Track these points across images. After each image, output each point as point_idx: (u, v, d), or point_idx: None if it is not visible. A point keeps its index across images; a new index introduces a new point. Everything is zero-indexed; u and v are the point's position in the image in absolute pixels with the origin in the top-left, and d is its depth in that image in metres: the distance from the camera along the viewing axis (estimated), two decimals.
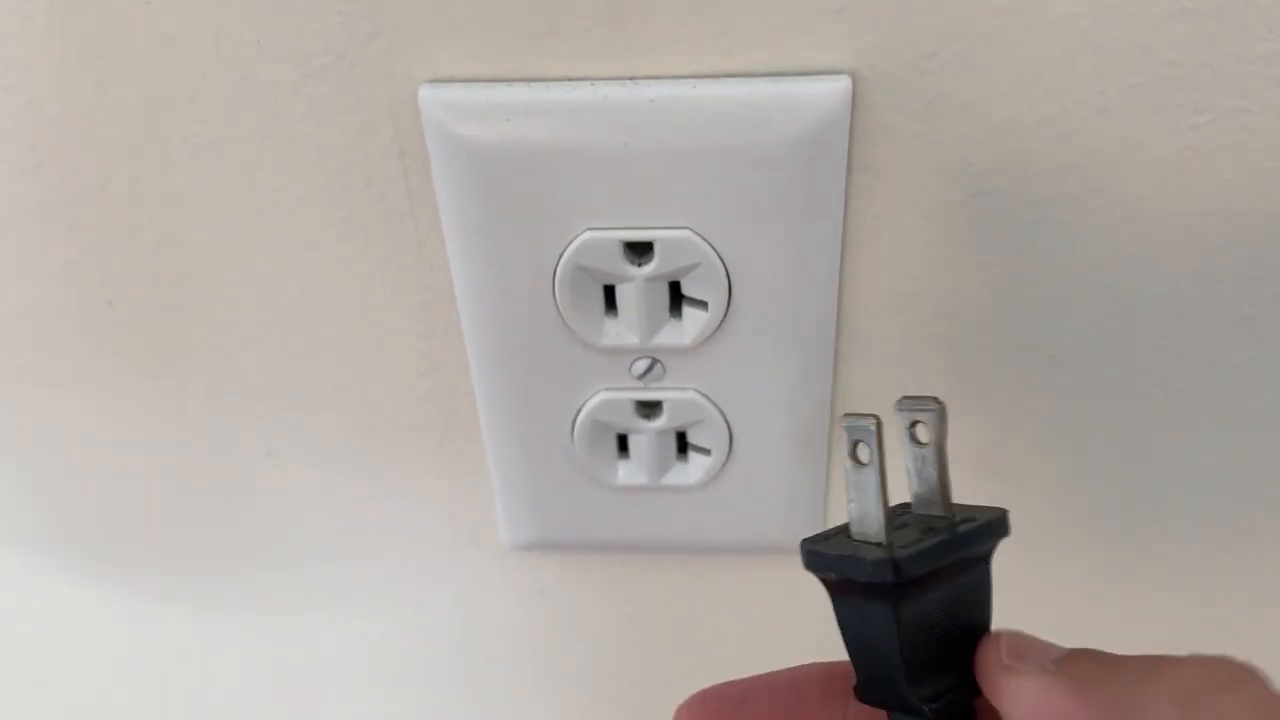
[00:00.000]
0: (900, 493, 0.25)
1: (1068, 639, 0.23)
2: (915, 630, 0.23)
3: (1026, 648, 0.22)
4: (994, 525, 0.24)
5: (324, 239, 0.33)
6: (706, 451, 0.35)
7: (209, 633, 0.45)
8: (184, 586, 0.43)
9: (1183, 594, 0.40)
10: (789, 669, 0.27)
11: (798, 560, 0.40)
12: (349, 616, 0.43)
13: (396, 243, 0.33)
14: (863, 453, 0.23)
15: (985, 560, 0.24)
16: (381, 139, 0.31)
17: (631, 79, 0.29)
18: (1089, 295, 0.32)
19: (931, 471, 0.25)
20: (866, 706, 0.24)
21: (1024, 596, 0.39)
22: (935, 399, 0.25)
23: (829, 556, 0.23)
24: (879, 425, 0.23)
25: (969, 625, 0.24)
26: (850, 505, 0.24)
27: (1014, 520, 0.25)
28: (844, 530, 0.24)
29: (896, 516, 0.25)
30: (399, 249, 0.33)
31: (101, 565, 0.43)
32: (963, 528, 0.24)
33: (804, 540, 0.24)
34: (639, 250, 0.31)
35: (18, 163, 0.32)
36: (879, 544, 0.23)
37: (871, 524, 0.23)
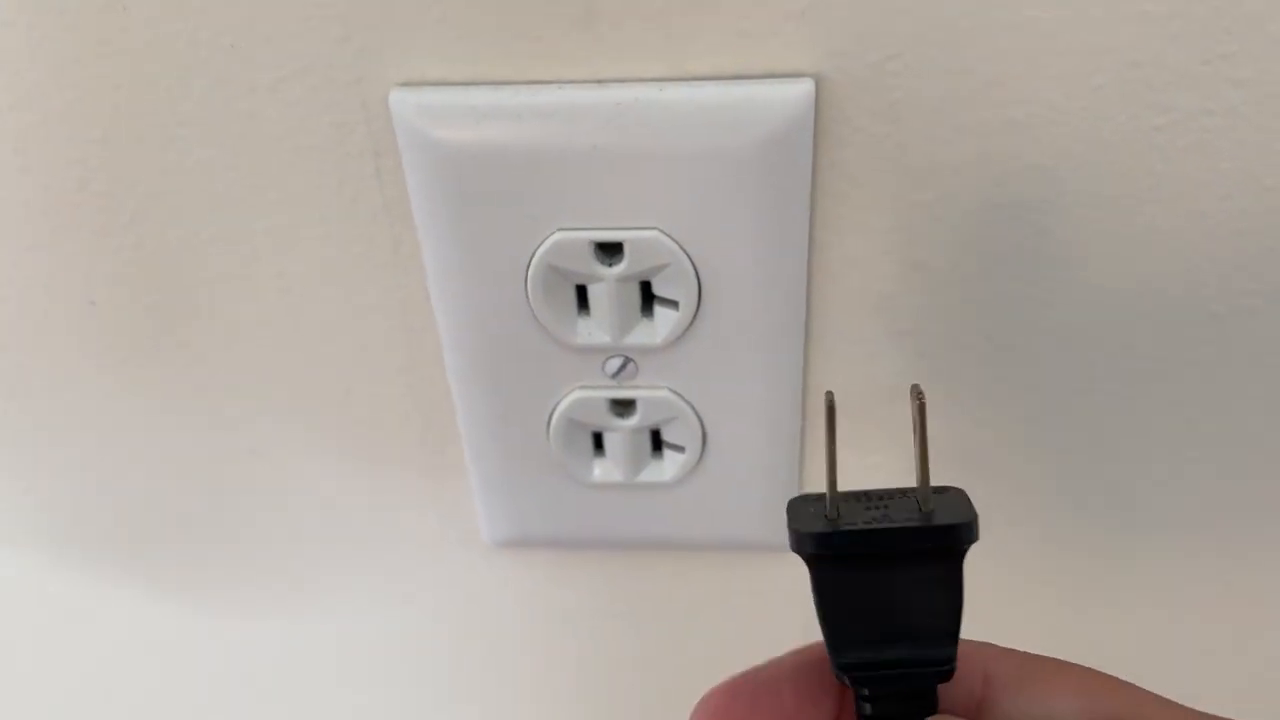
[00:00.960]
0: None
1: (1036, 637, 0.23)
2: (844, 603, 0.23)
3: None
4: (950, 531, 0.23)
5: (302, 239, 0.33)
6: (681, 449, 0.36)
7: (193, 632, 0.46)
8: (168, 585, 0.44)
9: (1153, 594, 0.40)
10: (803, 650, 0.25)
11: (776, 557, 0.40)
12: (336, 614, 0.44)
13: (372, 243, 0.33)
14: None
15: (951, 558, 0.23)
16: (355, 141, 0.31)
17: (600, 82, 0.29)
18: (1059, 295, 0.32)
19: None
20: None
21: (995, 596, 0.40)
22: (915, 386, 0.24)
23: (789, 522, 0.24)
24: (830, 403, 0.23)
25: (929, 617, 0.23)
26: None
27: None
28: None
29: (890, 497, 0.24)
30: (375, 249, 0.33)
31: (86, 565, 0.43)
32: (910, 521, 0.23)
33: (792, 500, 0.24)
34: (610, 250, 0.32)
35: (2, 165, 0.33)
36: (826, 517, 0.23)
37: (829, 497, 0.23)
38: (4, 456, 0.40)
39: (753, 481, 0.37)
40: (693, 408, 0.35)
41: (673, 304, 0.32)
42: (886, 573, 0.23)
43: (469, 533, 0.40)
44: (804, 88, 0.29)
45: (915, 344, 0.34)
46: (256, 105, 0.31)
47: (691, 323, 0.32)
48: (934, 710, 0.23)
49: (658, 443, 0.36)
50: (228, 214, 0.33)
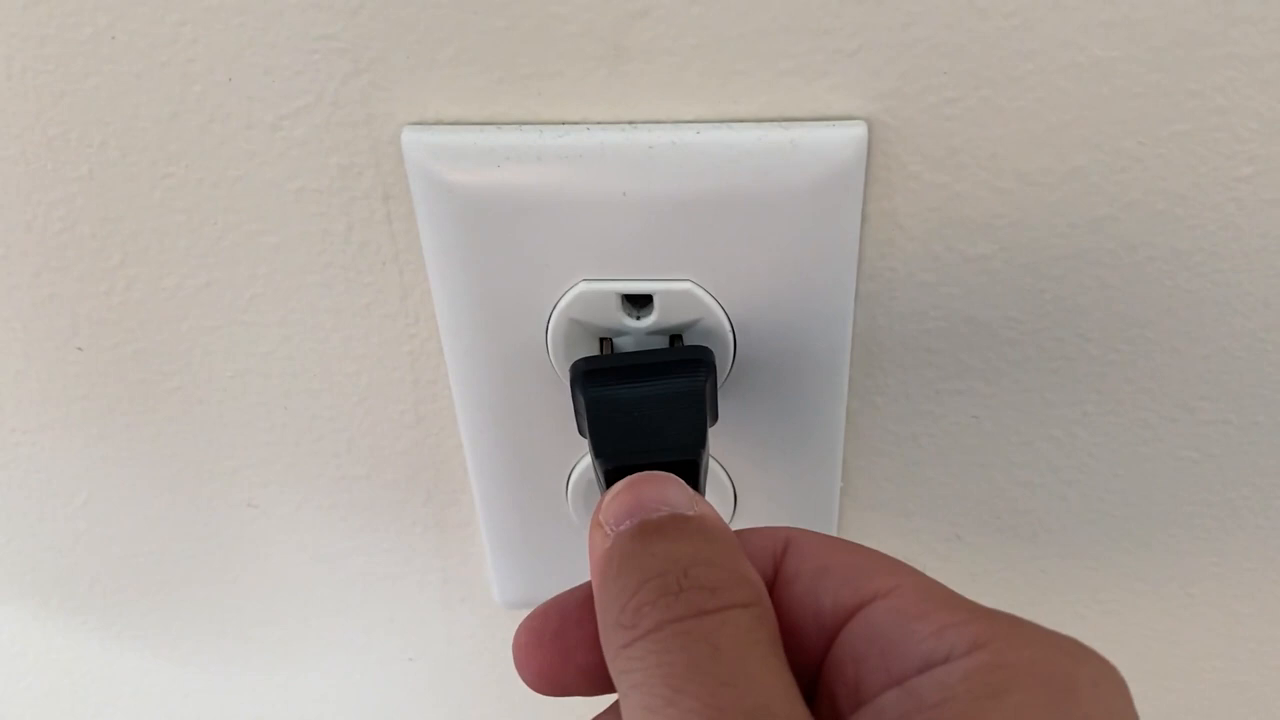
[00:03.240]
0: None
1: None
2: (605, 417, 0.26)
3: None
4: (688, 350, 0.28)
5: (304, 286, 0.31)
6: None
7: (183, 689, 0.43)
8: (160, 641, 0.41)
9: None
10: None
11: None
12: (333, 675, 0.42)
13: (380, 291, 0.31)
14: None
15: (692, 382, 0.27)
16: (363, 183, 0.29)
17: (631, 123, 0.27)
18: (1122, 354, 0.30)
19: None
20: None
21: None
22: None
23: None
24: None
25: (678, 428, 0.26)
26: None
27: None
28: None
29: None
30: (383, 298, 0.31)
31: (74, 616, 0.41)
32: (660, 354, 0.28)
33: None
34: (638, 302, 0.29)
35: None
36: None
37: None
38: None
39: None
40: (724, 469, 0.32)
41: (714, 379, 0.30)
42: (639, 391, 0.27)
43: (476, 593, 0.38)
44: (856, 131, 0.26)
45: (967, 404, 0.31)
46: (256, 144, 0.28)
47: (725, 381, 0.30)
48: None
49: None
50: (225, 259, 0.30)
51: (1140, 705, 0.18)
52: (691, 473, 0.26)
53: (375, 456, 0.34)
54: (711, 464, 0.32)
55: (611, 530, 0.21)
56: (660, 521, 0.21)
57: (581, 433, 0.28)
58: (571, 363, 0.28)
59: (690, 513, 0.21)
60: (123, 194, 0.30)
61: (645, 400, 0.27)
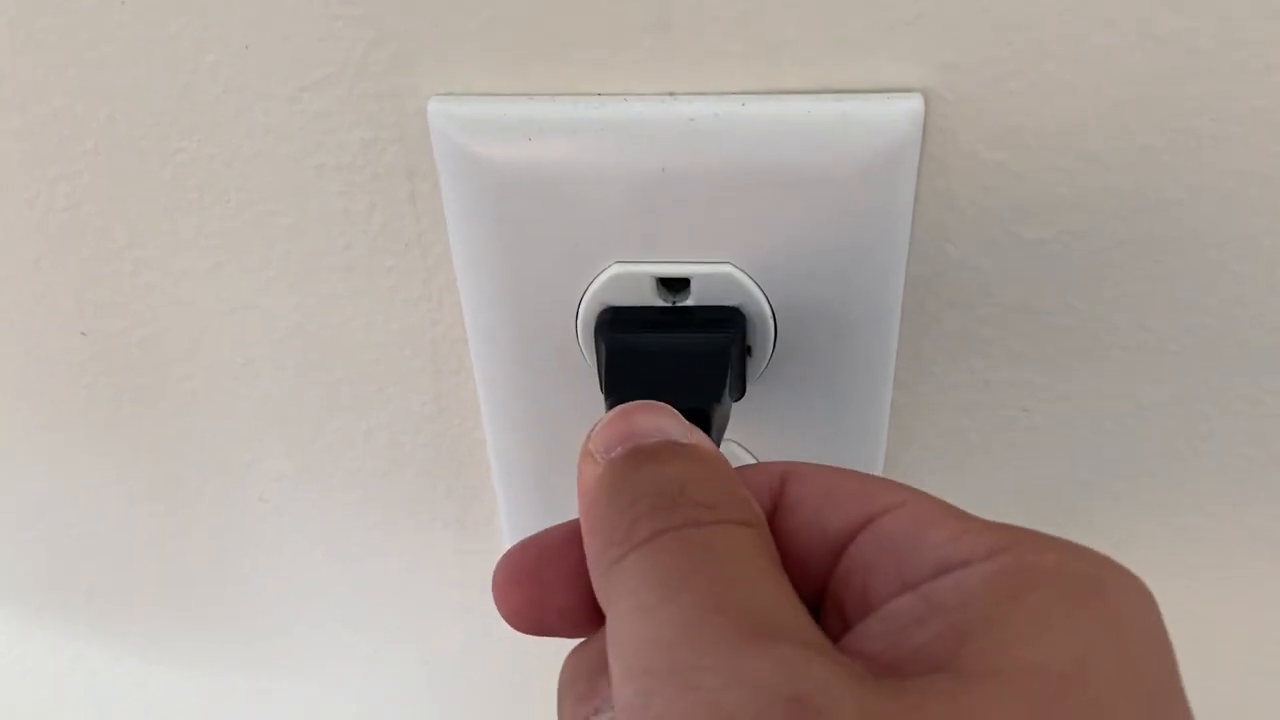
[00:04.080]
0: None
1: None
2: (627, 368, 0.26)
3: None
4: (716, 310, 0.27)
5: (322, 269, 0.29)
6: None
7: (193, 690, 0.42)
8: (171, 638, 0.40)
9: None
10: None
11: None
12: (347, 677, 0.40)
13: (403, 275, 0.29)
14: None
15: (719, 337, 0.26)
16: (386, 159, 0.27)
17: (671, 95, 0.25)
18: (1183, 345, 0.28)
19: None
20: None
21: None
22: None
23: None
24: None
25: (699, 380, 0.26)
26: None
27: None
28: None
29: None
30: (405, 281, 0.29)
31: (74, 616, 0.39)
32: (694, 311, 0.27)
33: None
34: (674, 286, 0.28)
35: None
36: None
37: None
38: None
39: None
40: (759, 461, 0.31)
41: (744, 348, 0.28)
42: (660, 341, 0.26)
43: None
44: (912, 104, 0.25)
45: (1017, 396, 0.30)
46: (273, 118, 0.27)
47: (765, 369, 0.28)
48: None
49: None
50: (238, 240, 0.29)
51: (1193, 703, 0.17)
52: (703, 424, 0.25)
53: (395, 449, 0.33)
54: (745, 456, 0.31)
55: (602, 458, 0.20)
56: (654, 446, 0.20)
57: (602, 388, 0.27)
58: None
59: (685, 440, 0.20)
60: (131, 170, 0.28)
61: (664, 349, 0.26)
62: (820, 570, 0.19)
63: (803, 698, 0.14)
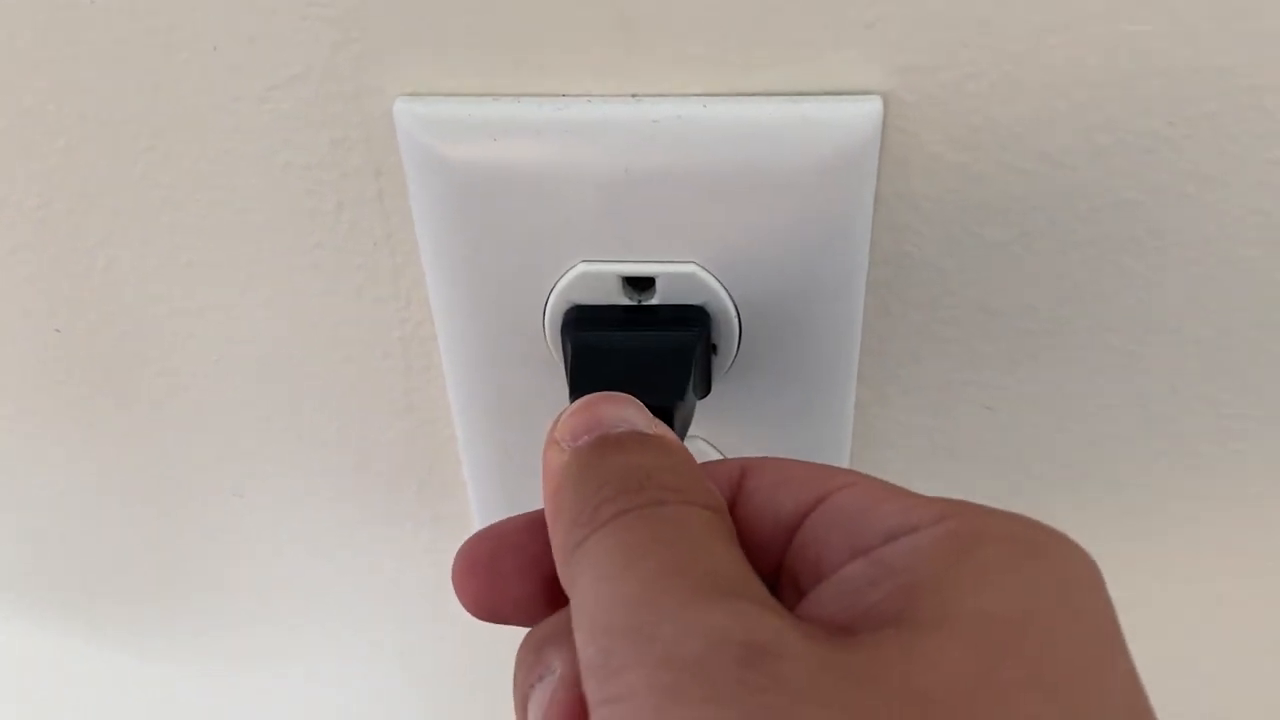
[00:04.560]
0: None
1: None
2: (592, 364, 0.26)
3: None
4: (679, 309, 0.27)
5: (291, 267, 0.29)
6: None
7: (169, 683, 0.42)
8: (143, 636, 0.40)
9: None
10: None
11: None
12: (321, 671, 0.40)
13: (371, 272, 0.29)
14: None
15: (684, 336, 0.27)
16: (354, 158, 0.27)
17: (635, 96, 0.26)
18: (1144, 344, 0.29)
19: None
20: None
21: None
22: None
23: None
24: None
25: (663, 379, 0.26)
26: None
27: None
28: None
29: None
30: (374, 279, 0.29)
31: (49, 610, 0.40)
32: (659, 310, 0.27)
33: None
34: (639, 285, 0.28)
35: None
36: None
37: None
38: None
39: None
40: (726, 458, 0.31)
41: (709, 346, 0.28)
42: (625, 339, 0.26)
43: None
44: (871, 106, 0.25)
45: (980, 395, 0.30)
46: (242, 117, 0.27)
47: (729, 368, 0.29)
48: None
49: None
50: (209, 237, 0.29)
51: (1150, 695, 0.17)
52: (666, 422, 0.25)
53: (366, 445, 0.33)
54: (711, 452, 0.31)
55: (568, 446, 0.20)
56: (620, 437, 0.20)
57: (569, 385, 0.27)
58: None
59: (650, 431, 0.20)
60: (103, 168, 0.28)
61: (629, 347, 0.27)
62: (776, 550, 0.20)
63: (758, 644, 0.15)
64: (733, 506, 0.20)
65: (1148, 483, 0.32)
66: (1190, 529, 0.33)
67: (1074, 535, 0.33)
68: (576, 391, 0.26)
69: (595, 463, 0.19)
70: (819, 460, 0.30)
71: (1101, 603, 0.17)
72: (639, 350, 0.26)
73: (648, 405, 0.26)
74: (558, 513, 0.19)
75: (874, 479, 0.19)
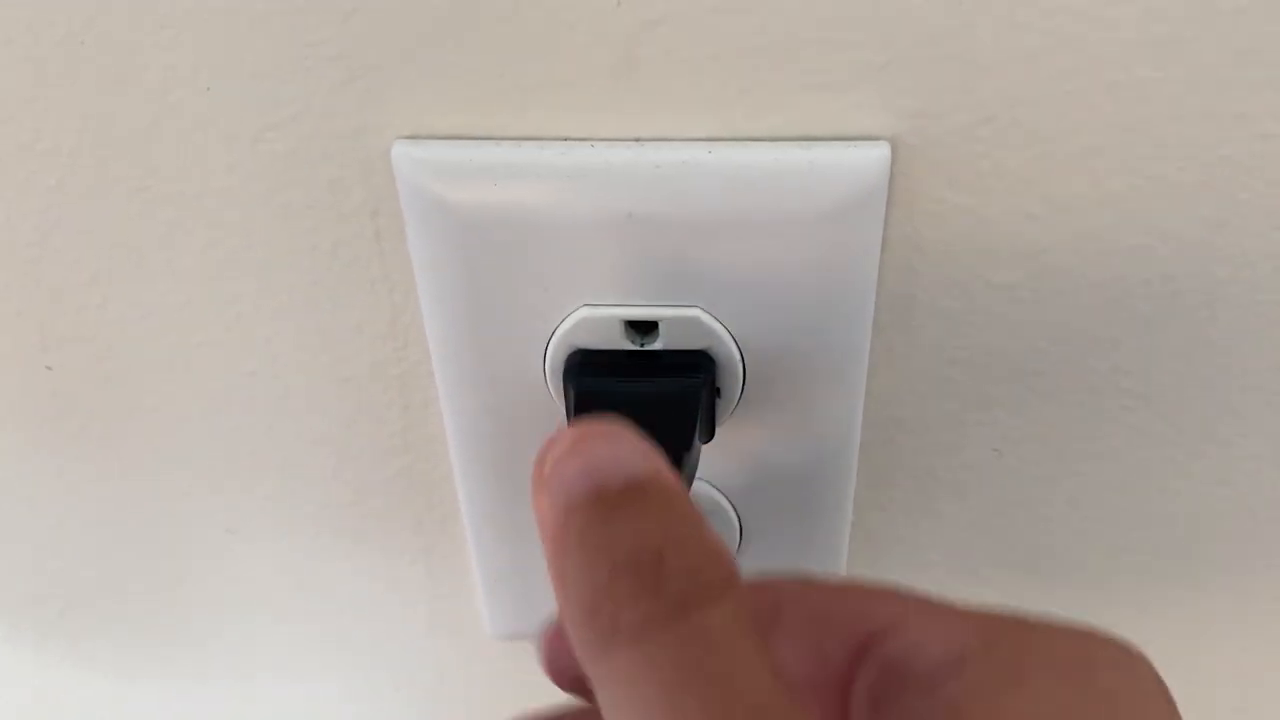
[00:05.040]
0: None
1: None
2: (590, 407, 0.26)
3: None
4: (681, 355, 0.27)
5: (289, 305, 0.29)
6: None
7: (166, 717, 0.41)
8: (134, 672, 0.40)
9: None
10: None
11: None
12: (317, 704, 0.40)
13: (369, 311, 0.29)
14: None
15: (689, 383, 0.26)
16: (352, 199, 0.27)
17: (638, 140, 0.25)
18: (1152, 387, 0.28)
19: None
20: None
21: None
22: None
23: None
24: None
25: (667, 427, 0.25)
26: None
27: None
28: None
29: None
30: (372, 319, 0.29)
31: (42, 644, 0.39)
32: (662, 356, 0.27)
33: None
34: (642, 329, 0.27)
35: None
36: None
37: None
38: None
39: None
40: (730, 502, 0.31)
41: (713, 390, 0.28)
42: (628, 387, 0.26)
43: (466, 623, 0.36)
44: (879, 152, 0.25)
45: (987, 436, 0.30)
46: (238, 156, 0.26)
47: (733, 411, 0.28)
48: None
49: None
50: (206, 275, 0.29)
51: None
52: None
53: (362, 483, 0.33)
54: (716, 495, 0.31)
55: (560, 493, 0.19)
56: (619, 495, 0.19)
57: None
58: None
59: (644, 473, 0.19)
60: (98, 206, 0.28)
61: (633, 395, 0.26)
62: (825, 690, 0.20)
63: None
64: (770, 638, 0.20)
65: (1157, 524, 0.31)
66: (1201, 571, 0.32)
67: (1082, 581, 0.32)
68: None
69: (598, 530, 0.19)
70: (822, 504, 0.30)
71: (1156, 713, 0.17)
72: (643, 398, 0.26)
73: None
74: (566, 590, 0.19)
75: (915, 606, 0.19)
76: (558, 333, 0.27)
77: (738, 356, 0.27)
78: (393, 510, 0.33)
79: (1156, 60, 0.23)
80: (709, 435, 0.27)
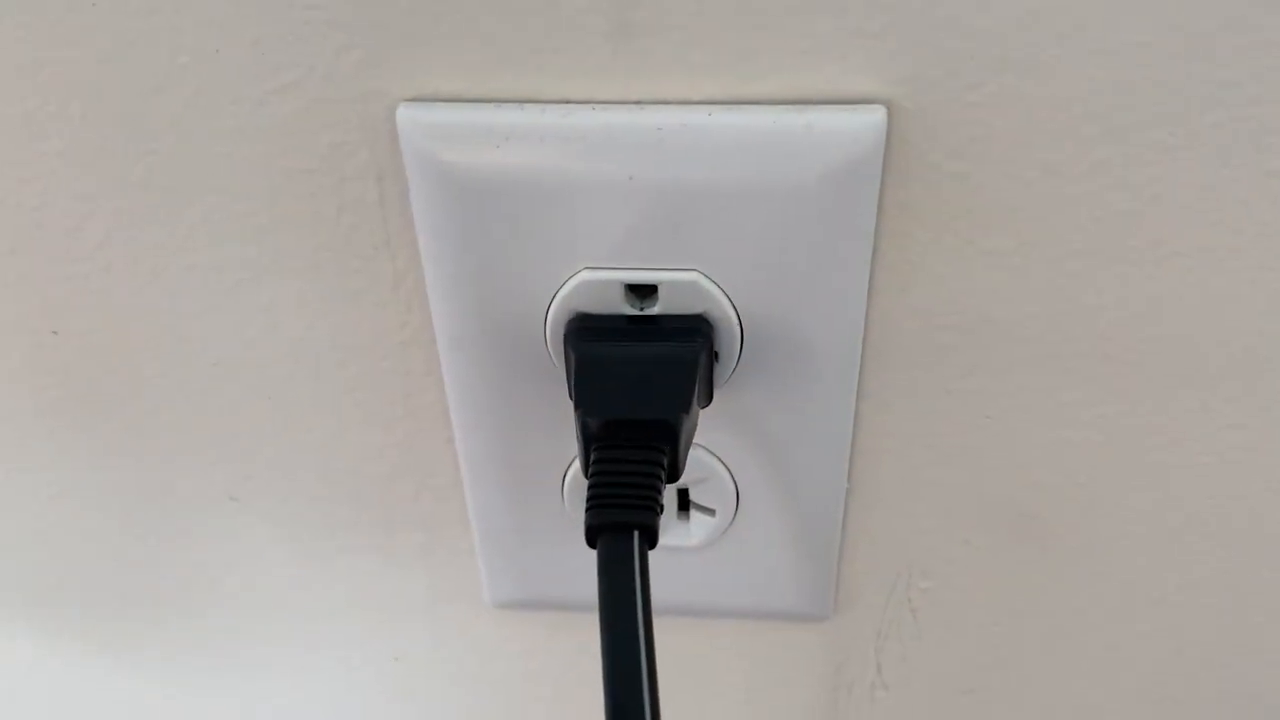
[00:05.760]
0: None
1: None
2: (597, 373, 0.26)
3: None
4: (681, 318, 0.27)
5: (291, 270, 0.29)
6: (710, 511, 0.32)
7: (164, 692, 0.42)
8: (134, 644, 0.40)
9: None
10: None
11: (802, 627, 0.37)
12: (316, 674, 0.40)
13: (372, 277, 0.29)
14: None
15: (688, 348, 0.27)
16: (355, 162, 0.27)
17: (638, 103, 0.26)
18: (1141, 353, 0.29)
19: None
20: None
21: None
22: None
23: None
24: None
25: (665, 388, 0.26)
26: None
27: None
28: None
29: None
30: (374, 284, 0.29)
31: (37, 619, 0.39)
32: (661, 320, 0.27)
33: None
34: (641, 292, 0.28)
35: None
36: None
37: None
38: None
39: (787, 548, 0.33)
40: (726, 467, 0.31)
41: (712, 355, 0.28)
42: (628, 350, 0.27)
43: (465, 592, 0.37)
44: (875, 116, 0.25)
45: (979, 403, 0.30)
46: (243, 120, 0.27)
47: (732, 373, 0.29)
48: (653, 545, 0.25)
49: (684, 503, 0.33)
50: (208, 241, 0.29)
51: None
52: (670, 436, 0.26)
53: (363, 450, 0.33)
54: (713, 461, 0.31)
55: None
56: None
57: (571, 394, 0.27)
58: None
59: None
60: (102, 171, 0.28)
61: (633, 359, 0.27)
62: None
63: None
64: None
65: (1145, 491, 0.32)
66: (1189, 540, 0.33)
67: (1072, 548, 0.33)
68: (580, 402, 0.26)
69: None
70: (819, 468, 0.31)
71: None
72: (643, 362, 0.26)
73: (653, 419, 0.26)
74: None
75: None
76: (558, 296, 0.28)
77: (736, 320, 0.28)
78: (393, 478, 0.34)
79: (1145, 27, 0.24)
80: (707, 400, 0.28)
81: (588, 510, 0.26)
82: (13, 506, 0.36)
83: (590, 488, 0.26)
